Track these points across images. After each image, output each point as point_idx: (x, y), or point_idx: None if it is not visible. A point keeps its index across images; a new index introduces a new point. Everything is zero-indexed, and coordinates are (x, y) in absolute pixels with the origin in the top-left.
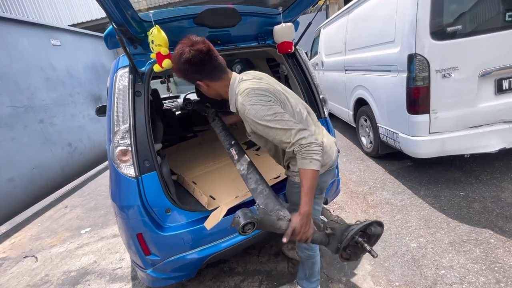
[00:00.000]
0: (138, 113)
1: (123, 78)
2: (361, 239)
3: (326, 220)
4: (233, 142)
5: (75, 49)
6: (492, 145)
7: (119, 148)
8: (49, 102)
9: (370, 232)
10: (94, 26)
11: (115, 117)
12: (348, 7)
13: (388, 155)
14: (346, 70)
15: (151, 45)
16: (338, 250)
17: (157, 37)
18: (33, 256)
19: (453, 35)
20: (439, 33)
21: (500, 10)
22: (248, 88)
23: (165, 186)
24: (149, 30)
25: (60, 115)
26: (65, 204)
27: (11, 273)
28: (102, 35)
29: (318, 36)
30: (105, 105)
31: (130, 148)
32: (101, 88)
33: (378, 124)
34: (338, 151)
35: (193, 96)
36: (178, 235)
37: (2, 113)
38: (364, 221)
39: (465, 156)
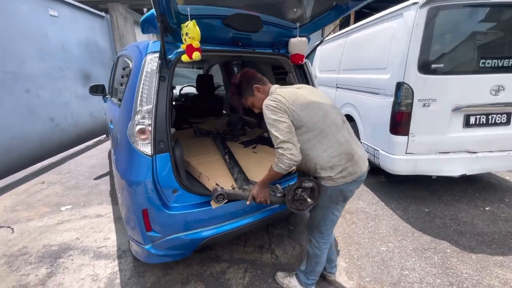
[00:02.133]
0: (161, 96)
1: (152, 62)
2: (303, 193)
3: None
4: (226, 151)
5: (71, 23)
6: (455, 170)
7: (139, 127)
8: (38, 73)
9: (305, 186)
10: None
11: (139, 98)
12: (347, 31)
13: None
14: (338, 87)
15: (183, 37)
16: (287, 203)
17: (192, 30)
18: (8, 227)
19: (436, 71)
20: (424, 67)
21: (475, 57)
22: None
23: (176, 167)
24: (183, 23)
25: (47, 87)
26: (41, 180)
27: None
28: (101, 13)
29: (314, 52)
30: (100, 84)
31: (149, 128)
32: (92, 67)
33: (361, 141)
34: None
35: (188, 89)
36: (181, 215)
37: None
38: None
39: (433, 177)
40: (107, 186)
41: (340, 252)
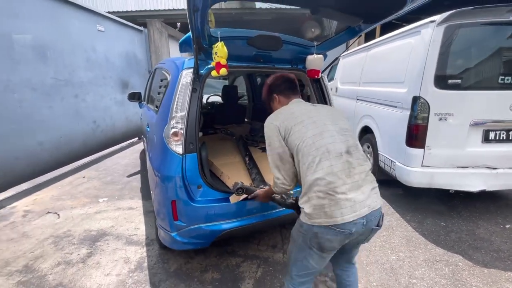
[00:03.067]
0: (192, 105)
1: (187, 76)
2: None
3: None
4: (247, 153)
5: (115, 37)
6: (474, 185)
7: (173, 130)
8: (85, 80)
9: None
10: (127, 17)
11: (175, 105)
12: (369, 45)
13: (384, 181)
14: (358, 99)
15: (213, 55)
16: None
17: (221, 50)
18: (55, 213)
19: (453, 87)
20: (441, 82)
21: (495, 73)
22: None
23: (201, 166)
24: (214, 43)
25: (92, 93)
26: (82, 174)
27: (35, 224)
28: (140, 27)
29: (337, 64)
30: (138, 92)
31: (182, 131)
32: (130, 76)
33: (379, 152)
34: (379, 225)
35: (214, 98)
36: (204, 208)
37: (46, 83)
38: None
39: (450, 191)
40: (138, 183)
41: None
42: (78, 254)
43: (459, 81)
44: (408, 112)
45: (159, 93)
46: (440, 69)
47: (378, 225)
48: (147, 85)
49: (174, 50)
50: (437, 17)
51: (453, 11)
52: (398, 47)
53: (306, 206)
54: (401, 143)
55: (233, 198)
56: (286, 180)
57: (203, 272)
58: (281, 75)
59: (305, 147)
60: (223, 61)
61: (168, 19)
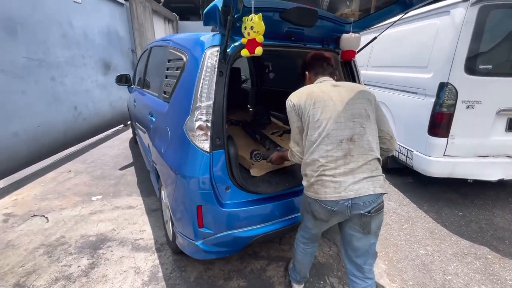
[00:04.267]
0: (218, 92)
1: (212, 56)
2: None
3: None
4: (257, 134)
5: (93, 10)
6: (494, 175)
7: (198, 123)
8: (62, 60)
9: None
10: None
11: (199, 93)
12: (377, 27)
13: (392, 169)
14: (364, 84)
15: (247, 30)
16: None
17: (258, 24)
18: (42, 216)
19: (483, 73)
20: (471, 68)
21: None
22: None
23: (229, 164)
24: (246, 16)
25: (70, 75)
26: (68, 168)
27: (20, 230)
28: (122, 1)
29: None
30: (126, 74)
31: (208, 124)
32: (112, 55)
33: None
34: (370, 212)
35: None
36: (235, 213)
37: (17, 63)
38: None
39: (469, 180)
40: (133, 177)
41: (378, 254)
42: (79, 266)
43: (489, 66)
44: (433, 99)
45: (167, 77)
46: (472, 54)
47: (369, 212)
48: (137, 66)
49: (158, 28)
50: None
51: None
52: (420, 28)
53: (304, 179)
54: (422, 132)
55: (254, 171)
56: (302, 154)
57: (227, 279)
58: (315, 53)
59: (310, 129)
60: (260, 38)
61: None
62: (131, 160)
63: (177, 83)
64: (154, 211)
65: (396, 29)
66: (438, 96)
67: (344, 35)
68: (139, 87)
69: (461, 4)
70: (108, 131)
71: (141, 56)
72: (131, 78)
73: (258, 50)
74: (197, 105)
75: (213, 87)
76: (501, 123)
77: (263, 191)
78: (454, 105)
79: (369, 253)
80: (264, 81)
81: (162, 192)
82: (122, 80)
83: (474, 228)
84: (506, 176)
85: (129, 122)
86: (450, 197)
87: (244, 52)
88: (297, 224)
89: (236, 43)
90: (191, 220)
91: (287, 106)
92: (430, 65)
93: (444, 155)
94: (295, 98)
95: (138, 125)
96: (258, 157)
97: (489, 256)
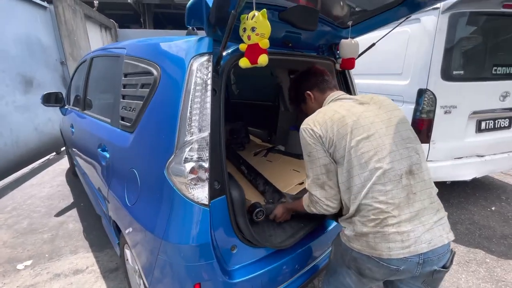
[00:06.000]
0: (214, 118)
1: (202, 69)
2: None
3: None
4: (241, 161)
5: (5, 15)
6: (468, 174)
7: (190, 165)
8: None
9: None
10: None
11: (187, 122)
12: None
13: None
14: None
15: (246, 33)
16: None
17: (262, 24)
18: None
19: (457, 78)
20: (447, 74)
21: (490, 64)
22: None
23: (234, 215)
24: (244, 13)
25: None
26: None
27: None
28: (42, 2)
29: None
30: (56, 92)
31: (205, 165)
32: (34, 69)
33: None
34: (445, 267)
35: None
36: (247, 282)
37: None
38: None
39: (447, 182)
40: (77, 224)
41: None
42: None
43: (462, 72)
44: (412, 106)
45: (124, 97)
46: (446, 60)
47: (444, 267)
48: (71, 82)
49: (94, 35)
50: (441, 4)
51: None
52: (391, 36)
53: (346, 227)
54: None
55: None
56: (332, 202)
57: None
58: (310, 68)
59: (355, 167)
60: (264, 43)
61: None
62: (71, 200)
63: (145, 107)
64: (114, 272)
65: (371, 35)
66: (417, 102)
67: (344, 41)
68: (77, 109)
69: (432, 12)
70: (34, 163)
71: (76, 69)
72: (64, 96)
73: (263, 59)
74: (185, 139)
75: (208, 112)
76: (472, 125)
77: (281, 244)
78: (433, 111)
79: None
80: (230, 93)
81: (127, 251)
82: (51, 99)
83: (461, 230)
84: (478, 174)
85: (63, 149)
86: None
87: (244, 62)
88: (315, 275)
89: (229, 50)
90: None
91: (306, 138)
92: (404, 72)
93: (426, 161)
94: (317, 126)
95: (80, 159)
96: (260, 215)
97: (488, 260)
